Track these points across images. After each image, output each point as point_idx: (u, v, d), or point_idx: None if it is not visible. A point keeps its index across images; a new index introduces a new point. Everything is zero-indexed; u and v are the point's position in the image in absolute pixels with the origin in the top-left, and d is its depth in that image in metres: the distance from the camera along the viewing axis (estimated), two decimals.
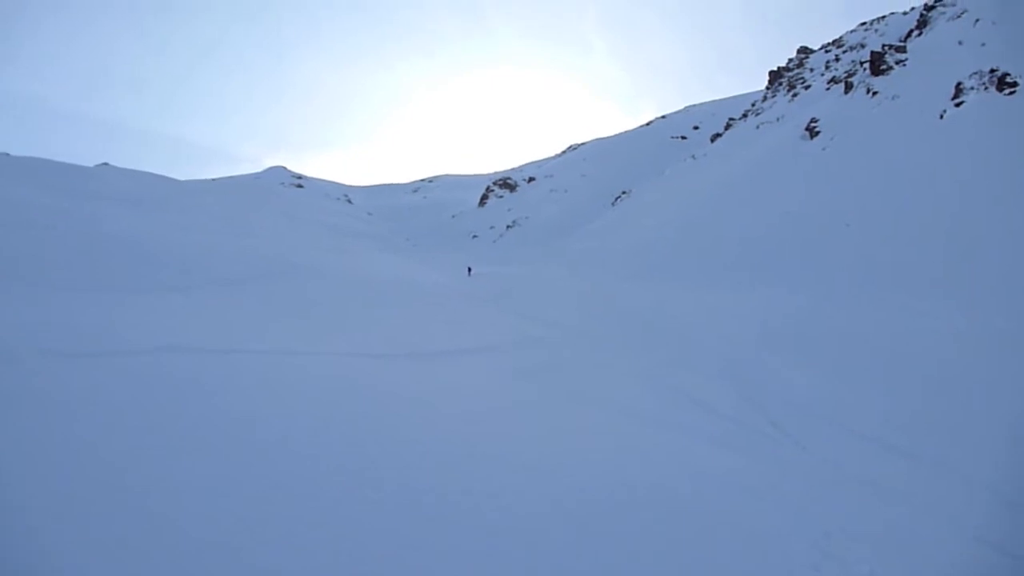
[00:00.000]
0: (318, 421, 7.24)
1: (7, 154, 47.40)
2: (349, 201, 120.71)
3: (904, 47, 43.91)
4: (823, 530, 6.67)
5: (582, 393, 11.98)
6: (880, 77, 42.66)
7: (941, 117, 32.28)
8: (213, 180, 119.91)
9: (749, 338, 18.03)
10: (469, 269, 46.09)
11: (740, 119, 71.23)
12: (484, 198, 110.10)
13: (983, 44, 36.58)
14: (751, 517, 6.76)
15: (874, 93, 41.41)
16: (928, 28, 45.17)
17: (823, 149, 39.21)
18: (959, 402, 12.22)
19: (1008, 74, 31.18)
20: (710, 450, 9.21)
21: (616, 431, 9.54)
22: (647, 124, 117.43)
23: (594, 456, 7.80)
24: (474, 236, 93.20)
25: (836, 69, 57.82)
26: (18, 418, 6.00)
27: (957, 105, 32.26)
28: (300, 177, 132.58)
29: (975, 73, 33.01)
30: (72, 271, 16.97)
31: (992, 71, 32.09)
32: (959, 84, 33.10)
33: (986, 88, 31.76)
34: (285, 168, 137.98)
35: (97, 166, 68.98)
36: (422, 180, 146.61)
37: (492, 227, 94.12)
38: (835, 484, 8.48)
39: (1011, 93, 30.47)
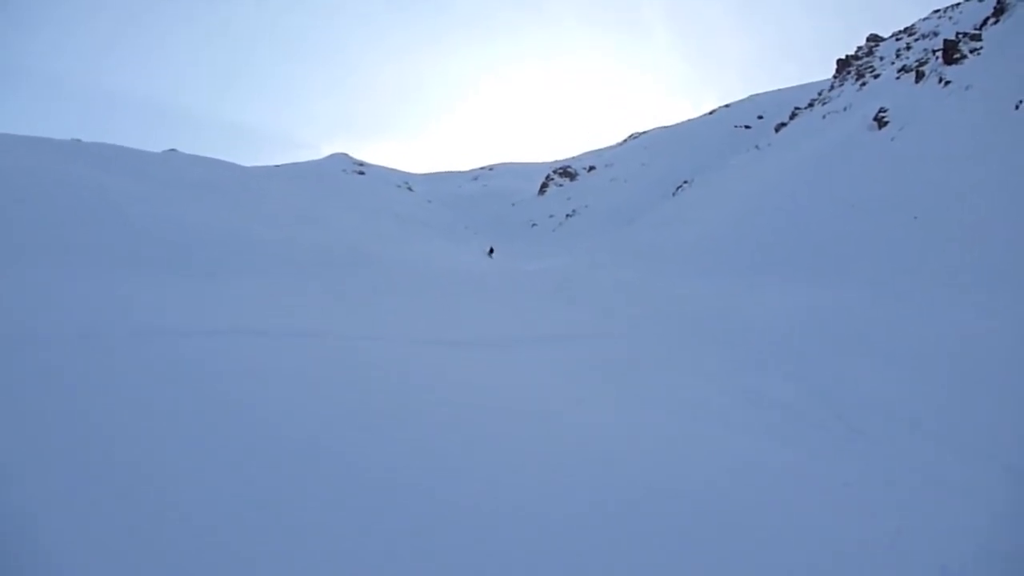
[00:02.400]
0: (370, 413, 7.37)
1: (79, 140, 48.79)
2: (410, 189, 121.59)
3: (980, 35, 42.57)
4: (895, 527, 6.69)
5: (648, 391, 12.01)
6: (953, 66, 41.45)
7: (1017, 108, 31.27)
8: (277, 166, 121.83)
9: (816, 335, 17.79)
10: (491, 250, 42.65)
11: (806, 108, 69.88)
12: (544, 187, 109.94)
13: None
14: (808, 513, 6.81)
15: (946, 83, 40.26)
16: (1006, 15, 43.65)
17: (892, 139, 38.30)
18: None
19: None
20: (775, 448, 9.21)
21: (685, 432, 9.58)
22: (710, 113, 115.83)
23: (663, 458, 7.86)
24: (533, 225, 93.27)
25: (907, 58, 56.32)
26: (95, 393, 6.28)
27: None
28: (362, 164, 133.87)
29: None
30: (148, 254, 17.54)
31: None
32: None
33: None
34: (347, 155, 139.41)
35: (165, 152, 70.63)
36: (482, 168, 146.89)
37: (551, 216, 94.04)
38: (898, 484, 8.42)
39: None
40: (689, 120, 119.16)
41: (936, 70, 43.09)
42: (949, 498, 8.00)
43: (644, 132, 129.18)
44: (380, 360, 10.51)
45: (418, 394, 8.76)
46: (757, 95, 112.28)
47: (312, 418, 6.89)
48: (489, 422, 8.00)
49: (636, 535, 5.54)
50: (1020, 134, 28.88)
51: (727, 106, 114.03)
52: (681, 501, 6.41)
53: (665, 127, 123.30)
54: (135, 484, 4.98)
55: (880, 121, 41.85)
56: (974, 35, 42.70)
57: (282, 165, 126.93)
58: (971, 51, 41.36)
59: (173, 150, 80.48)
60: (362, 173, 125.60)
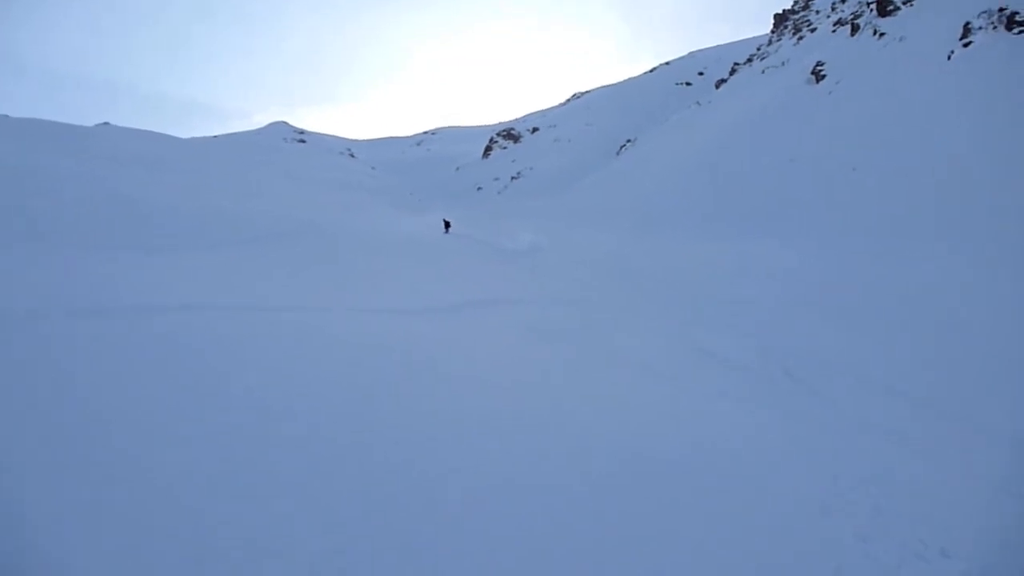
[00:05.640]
0: (330, 389, 7.19)
1: (6, 116, 47.21)
2: (352, 156, 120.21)
3: None
4: (833, 476, 6.89)
5: (604, 352, 12.01)
6: (887, 18, 42.01)
7: (949, 58, 31.84)
8: (215, 137, 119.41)
9: (762, 290, 18.04)
10: (447, 224, 36.99)
11: (745, 64, 70.37)
12: (488, 150, 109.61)
13: None
14: (768, 468, 6.97)
15: (881, 35, 40.81)
16: None
17: (829, 93, 38.80)
18: (974, 352, 12.25)
19: (1017, 12, 30.60)
20: (730, 405, 9.30)
21: (641, 392, 9.61)
22: (651, 71, 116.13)
23: (616, 418, 7.91)
24: (479, 188, 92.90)
25: (842, 11, 56.88)
26: (34, 383, 6.05)
27: (965, 45, 31.76)
28: (302, 132, 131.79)
29: (984, 12, 32.40)
30: (81, 232, 17.03)
31: (1001, 10, 31.49)
32: (967, 24, 32.54)
33: (995, 27, 31.23)
34: (287, 123, 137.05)
35: (97, 126, 68.56)
36: (425, 133, 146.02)
37: (497, 179, 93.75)
38: (851, 433, 8.61)
39: (1020, 32, 29.97)
40: (631, 79, 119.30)
41: (871, 22, 43.63)
42: (892, 447, 8.24)
43: (587, 92, 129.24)
44: (344, 331, 10.36)
45: (379, 364, 8.65)
46: (697, 52, 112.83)
47: (291, 397, 6.77)
48: (452, 394, 7.93)
49: (616, 504, 5.63)
50: (953, 83, 29.43)
51: (667, 63, 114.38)
52: (649, 467, 6.49)
53: (607, 86, 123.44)
54: (141, 470, 4.86)
55: (817, 75, 42.34)
56: None
57: (220, 136, 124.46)
58: (904, 2, 41.94)
59: (106, 123, 78.17)
60: (303, 142, 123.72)
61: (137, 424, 5.53)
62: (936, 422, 9.32)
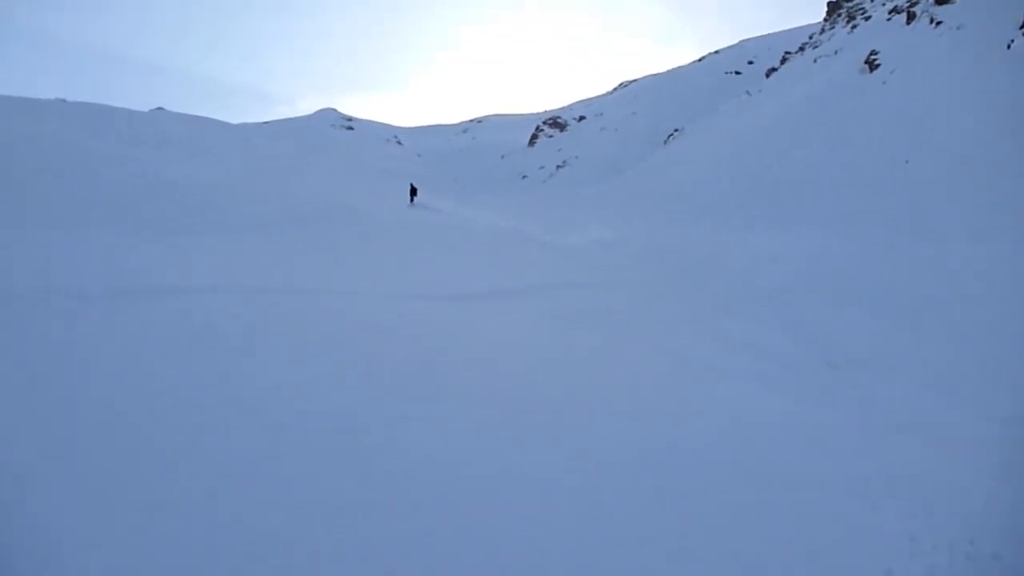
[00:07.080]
0: (344, 380, 7.25)
1: (63, 100, 48.27)
2: (399, 143, 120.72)
3: None
4: (866, 474, 6.80)
5: (634, 340, 12.00)
6: (944, 6, 40.98)
7: (1008, 47, 30.97)
8: (265, 123, 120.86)
9: (802, 281, 17.83)
10: (413, 191, 36.13)
11: (796, 52, 69.24)
12: (534, 138, 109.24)
13: None
14: (800, 461, 6.93)
15: (938, 23, 39.85)
16: None
17: (883, 83, 38.03)
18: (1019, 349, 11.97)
19: None
20: (763, 395, 9.26)
21: (671, 381, 9.59)
22: (699, 60, 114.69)
23: (649, 408, 7.90)
24: (524, 177, 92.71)
25: None
26: (47, 370, 6.14)
27: None
28: (350, 119, 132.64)
29: None
30: (131, 215, 17.38)
31: None
32: None
33: None
34: (335, 110, 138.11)
35: (152, 111, 69.78)
36: (471, 120, 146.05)
37: (542, 167, 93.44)
38: (895, 428, 8.49)
39: None
40: (679, 67, 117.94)
41: (927, 10, 42.62)
42: (927, 445, 8.10)
43: (634, 80, 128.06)
44: (375, 316, 10.48)
45: (411, 350, 8.72)
46: (747, 40, 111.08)
47: (326, 388, 6.80)
48: (484, 379, 7.97)
49: (641, 498, 5.66)
50: (1013, 73, 28.65)
51: (717, 52, 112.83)
52: (679, 459, 6.50)
53: (655, 75, 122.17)
54: (153, 459, 4.99)
55: (871, 64, 41.51)
56: None
57: (270, 122, 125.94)
58: None
59: (160, 108, 79.55)
60: (351, 128, 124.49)
61: (144, 417, 5.57)
62: (979, 420, 9.14)
